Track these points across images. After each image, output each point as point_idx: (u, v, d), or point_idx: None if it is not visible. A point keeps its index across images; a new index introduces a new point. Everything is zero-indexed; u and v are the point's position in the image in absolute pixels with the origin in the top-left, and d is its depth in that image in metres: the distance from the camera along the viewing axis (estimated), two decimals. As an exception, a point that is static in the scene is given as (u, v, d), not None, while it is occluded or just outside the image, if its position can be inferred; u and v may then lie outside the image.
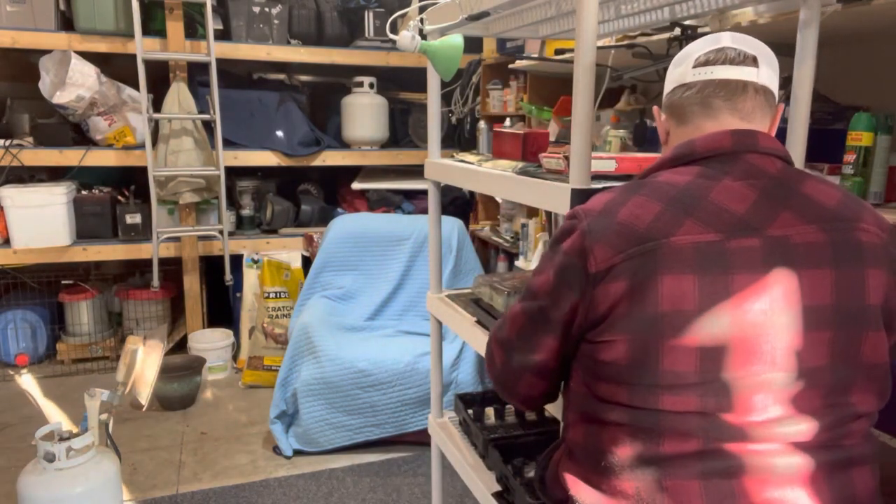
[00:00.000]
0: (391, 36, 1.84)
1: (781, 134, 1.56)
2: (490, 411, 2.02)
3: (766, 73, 1.02)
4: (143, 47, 3.28)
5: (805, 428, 0.90)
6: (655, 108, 1.12)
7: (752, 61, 1.01)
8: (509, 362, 1.11)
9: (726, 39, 1.03)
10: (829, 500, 0.91)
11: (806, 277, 0.89)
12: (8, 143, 3.35)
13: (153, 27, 3.51)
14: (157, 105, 3.52)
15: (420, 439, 2.76)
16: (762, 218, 0.91)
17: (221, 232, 3.62)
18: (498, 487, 1.70)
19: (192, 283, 3.72)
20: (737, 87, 1.00)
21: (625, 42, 2.20)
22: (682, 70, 1.04)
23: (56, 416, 3.10)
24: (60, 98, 3.27)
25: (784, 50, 1.75)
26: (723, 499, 0.88)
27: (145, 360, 2.27)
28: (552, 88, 3.21)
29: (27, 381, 3.52)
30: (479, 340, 1.67)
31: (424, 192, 3.16)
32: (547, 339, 1.03)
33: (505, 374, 1.13)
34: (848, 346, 0.90)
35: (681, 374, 0.88)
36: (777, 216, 0.91)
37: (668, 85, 1.08)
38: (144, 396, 2.26)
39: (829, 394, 0.91)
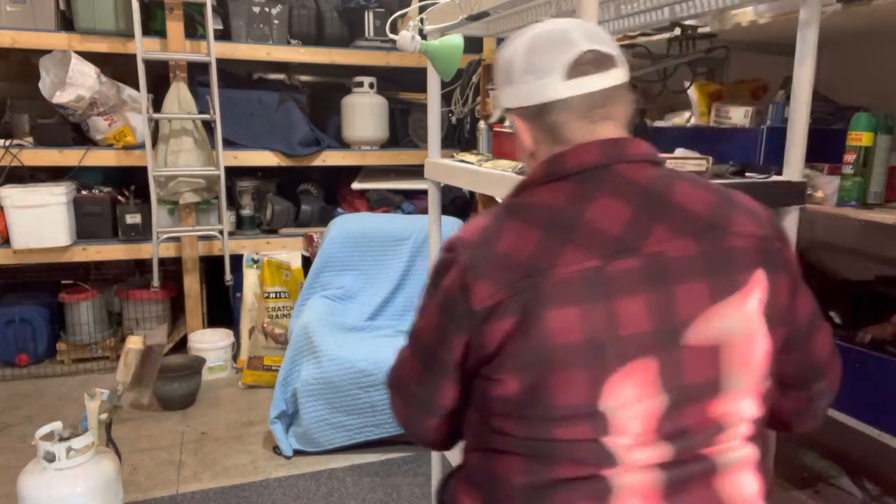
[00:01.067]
0: (391, 36, 1.84)
1: (781, 134, 1.57)
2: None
3: (625, 67, 0.97)
4: (143, 47, 3.28)
5: (689, 445, 0.90)
6: (515, 117, 1.02)
7: (614, 61, 0.95)
8: (411, 409, 1.05)
9: (580, 38, 0.95)
10: None
11: (684, 292, 0.88)
12: (8, 143, 3.34)
13: (153, 27, 3.51)
14: (157, 105, 3.52)
15: (420, 439, 2.75)
16: (638, 235, 0.89)
17: (221, 232, 3.62)
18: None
19: (192, 283, 3.72)
20: (611, 95, 0.95)
21: (625, 42, 2.20)
22: (546, 83, 0.95)
23: (56, 416, 3.09)
24: (60, 98, 3.27)
25: (784, 50, 1.75)
26: None
27: (145, 360, 2.27)
28: (552, 88, 3.21)
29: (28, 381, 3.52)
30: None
31: (424, 192, 3.15)
32: (443, 382, 0.98)
33: (409, 420, 1.07)
34: (735, 355, 0.90)
35: (572, 407, 0.87)
36: (651, 232, 0.89)
37: (529, 97, 0.97)
38: (145, 396, 2.26)
39: (718, 405, 0.90)
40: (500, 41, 3.47)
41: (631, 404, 0.87)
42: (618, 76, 0.95)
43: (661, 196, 0.92)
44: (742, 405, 0.92)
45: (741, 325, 0.89)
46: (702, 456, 0.91)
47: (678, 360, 0.88)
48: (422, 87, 2.55)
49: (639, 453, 0.89)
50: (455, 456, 1.85)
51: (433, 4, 1.86)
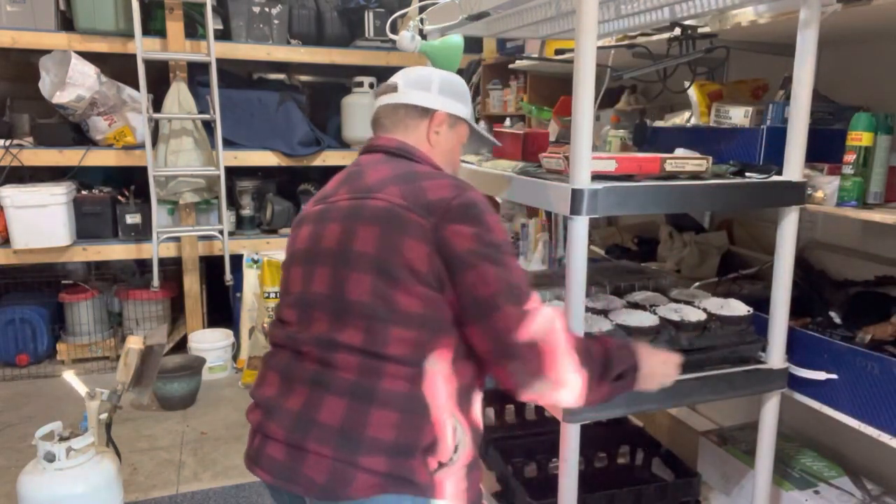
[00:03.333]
0: (391, 36, 1.84)
1: (781, 134, 1.57)
2: (490, 411, 2.02)
3: (409, 93, 1.39)
4: (143, 47, 3.28)
5: (312, 338, 1.19)
6: None
7: (394, 88, 1.40)
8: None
9: (396, 77, 1.43)
10: (294, 410, 1.19)
11: (328, 229, 1.25)
12: (8, 143, 3.35)
13: (153, 27, 3.51)
14: (157, 105, 3.52)
15: (420, 439, 2.75)
16: (333, 193, 1.32)
17: (221, 232, 3.62)
18: (498, 487, 1.70)
19: (192, 283, 3.72)
20: (385, 109, 1.40)
21: (625, 42, 2.20)
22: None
23: (56, 416, 3.09)
24: (60, 98, 3.27)
25: (784, 50, 1.75)
26: (259, 384, 1.34)
27: (145, 360, 2.28)
28: (552, 88, 3.21)
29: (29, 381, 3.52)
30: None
31: (424, 192, 3.15)
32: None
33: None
34: (337, 281, 1.20)
35: (282, 293, 1.33)
36: (339, 191, 1.31)
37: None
38: (145, 396, 2.26)
39: (329, 318, 1.19)
40: (500, 41, 3.47)
41: (293, 297, 1.27)
42: (389, 98, 1.39)
43: (362, 171, 1.33)
44: (347, 332, 1.16)
45: (346, 260, 1.20)
46: (321, 364, 1.17)
47: (311, 272, 1.25)
48: (422, 87, 2.55)
49: (288, 334, 1.25)
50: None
51: (433, 4, 1.87)
